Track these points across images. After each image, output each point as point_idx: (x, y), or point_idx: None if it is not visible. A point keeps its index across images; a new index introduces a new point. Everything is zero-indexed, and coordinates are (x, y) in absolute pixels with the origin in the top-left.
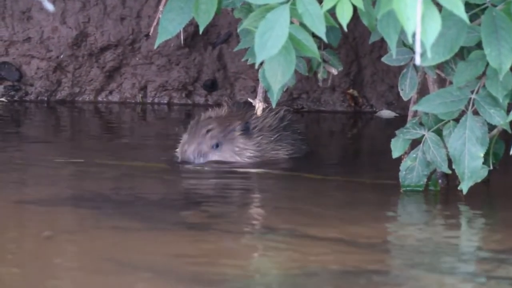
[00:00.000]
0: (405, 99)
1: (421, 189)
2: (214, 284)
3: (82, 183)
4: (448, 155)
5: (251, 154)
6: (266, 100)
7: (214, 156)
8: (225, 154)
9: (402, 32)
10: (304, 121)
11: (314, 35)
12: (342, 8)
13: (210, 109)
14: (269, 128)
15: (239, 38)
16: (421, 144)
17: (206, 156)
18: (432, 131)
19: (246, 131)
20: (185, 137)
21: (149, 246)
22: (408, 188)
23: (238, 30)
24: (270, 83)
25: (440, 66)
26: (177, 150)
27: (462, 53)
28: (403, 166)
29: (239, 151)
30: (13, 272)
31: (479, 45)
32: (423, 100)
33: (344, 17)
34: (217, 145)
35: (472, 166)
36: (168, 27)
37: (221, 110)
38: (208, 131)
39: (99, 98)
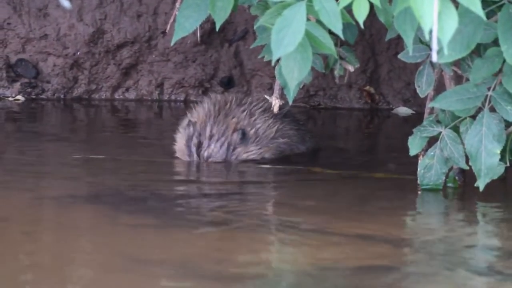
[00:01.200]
0: (421, 96)
1: (440, 188)
2: (231, 281)
3: (99, 180)
4: (465, 152)
5: (255, 155)
6: (282, 97)
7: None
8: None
9: (419, 29)
10: (321, 118)
11: (330, 32)
12: (359, 5)
13: (190, 116)
14: (262, 113)
15: (255, 35)
16: (439, 141)
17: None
18: (449, 128)
19: (243, 138)
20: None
21: (166, 242)
22: (427, 187)
23: (255, 27)
24: (286, 80)
25: (456, 63)
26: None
27: (478, 50)
28: (421, 164)
29: (243, 160)
30: (29, 267)
31: (495, 42)
32: (439, 97)
33: (361, 14)
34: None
35: (488, 163)
36: (185, 24)
37: (204, 115)
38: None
39: (116, 95)
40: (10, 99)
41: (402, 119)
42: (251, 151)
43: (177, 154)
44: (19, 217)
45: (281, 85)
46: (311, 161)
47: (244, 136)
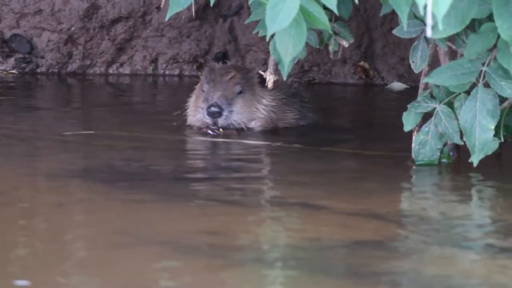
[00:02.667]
0: (416, 71)
1: (434, 163)
2: (227, 257)
3: (93, 155)
4: (459, 127)
5: (268, 103)
6: (277, 72)
7: (239, 102)
8: (248, 101)
9: (414, 4)
10: (315, 93)
11: (325, 8)
12: None
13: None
14: (280, 88)
15: (250, 10)
16: (433, 117)
17: (232, 101)
18: (444, 104)
19: (263, 81)
20: (193, 98)
21: (161, 218)
22: (421, 163)
23: (249, 2)
24: (281, 56)
25: (451, 39)
26: (188, 115)
27: (473, 25)
28: (415, 140)
29: (259, 98)
30: (24, 245)
31: (490, 17)
32: (434, 72)
33: None
34: (240, 92)
35: (483, 138)
36: None
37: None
38: (231, 78)
39: (110, 71)
40: (4, 73)
41: (396, 93)
42: (266, 98)
43: (196, 124)
44: (13, 192)
45: (275, 60)
46: (306, 138)
47: (263, 79)
